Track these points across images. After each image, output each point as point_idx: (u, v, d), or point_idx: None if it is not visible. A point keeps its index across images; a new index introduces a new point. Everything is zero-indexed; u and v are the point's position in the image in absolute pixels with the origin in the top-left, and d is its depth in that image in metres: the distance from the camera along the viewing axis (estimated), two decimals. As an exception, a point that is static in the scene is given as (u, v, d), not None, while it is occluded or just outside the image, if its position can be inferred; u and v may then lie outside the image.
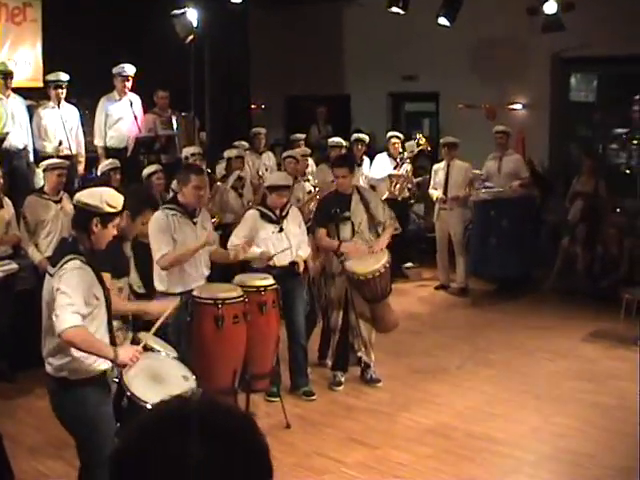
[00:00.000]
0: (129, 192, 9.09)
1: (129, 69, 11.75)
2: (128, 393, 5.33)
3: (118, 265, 6.57)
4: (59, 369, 5.16)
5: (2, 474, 2.97)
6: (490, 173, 12.70)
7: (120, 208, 5.31)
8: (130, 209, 6.50)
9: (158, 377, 5.66)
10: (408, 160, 13.24)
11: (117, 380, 5.45)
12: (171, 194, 10.13)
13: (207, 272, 7.57)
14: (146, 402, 5.25)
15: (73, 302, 4.92)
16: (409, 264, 13.88)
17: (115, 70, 11.75)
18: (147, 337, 6.59)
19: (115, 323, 6.36)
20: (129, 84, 11.81)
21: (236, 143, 12.36)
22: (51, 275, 5.10)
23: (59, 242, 5.88)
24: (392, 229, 8.96)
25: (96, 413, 5.19)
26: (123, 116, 11.78)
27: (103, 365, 5.26)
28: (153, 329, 5.92)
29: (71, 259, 5.04)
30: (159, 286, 7.34)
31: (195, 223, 7.44)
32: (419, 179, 13.89)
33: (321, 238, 8.71)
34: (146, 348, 6.50)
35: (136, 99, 11.95)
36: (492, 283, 12.86)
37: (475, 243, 12.62)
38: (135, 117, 11.78)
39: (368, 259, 8.47)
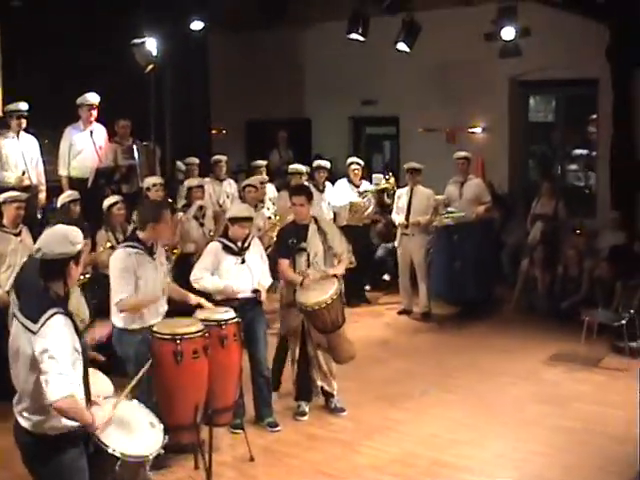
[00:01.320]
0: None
1: (93, 98, 11.70)
2: (96, 440, 5.23)
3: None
4: (38, 426, 4.99)
5: None
6: (451, 198, 12.64)
7: (82, 240, 5.20)
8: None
9: (125, 424, 5.55)
10: (370, 194, 13.31)
11: None
12: (132, 226, 10.15)
13: (165, 307, 7.55)
14: (114, 450, 5.19)
15: (64, 368, 4.77)
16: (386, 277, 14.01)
17: (79, 100, 11.70)
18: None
19: None
20: (94, 113, 11.77)
21: (187, 160, 12.31)
22: (32, 332, 4.84)
23: (33, 294, 5.53)
24: (347, 262, 8.98)
25: (71, 468, 5.07)
26: (86, 147, 11.73)
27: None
28: (128, 388, 5.87)
29: (54, 314, 4.85)
30: (117, 322, 7.28)
31: (154, 259, 7.41)
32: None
33: (284, 270, 8.68)
34: None
35: (100, 129, 11.92)
36: (455, 306, 12.87)
37: (437, 267, 12.59)
38: (97, 148, 11.73)
39: (316, 290, 8.43)
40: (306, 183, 12.68)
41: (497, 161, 15.23)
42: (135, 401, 5.98)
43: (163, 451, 5.61)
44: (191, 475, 7.44)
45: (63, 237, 5.09)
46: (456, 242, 12.33)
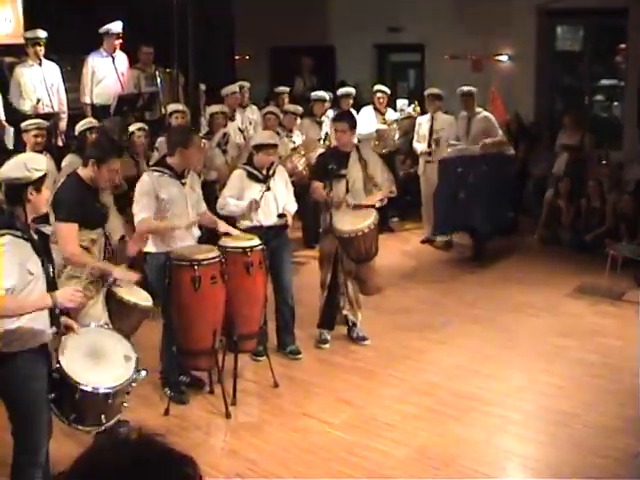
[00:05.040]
0: (91, 141, 9.12)
1: (117, 27, 11.64)
2: (57, 366, 5.32)
3: (90, 216, 6.52)
4: None
5: None
6: (459, 134, 12.37)
7: (45, 168, 5.27)
8: (94, 157, 6.49)
9: (97, 354, 5.62)
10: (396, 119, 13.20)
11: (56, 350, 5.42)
12: (155, 152, 10.15)
13: (198, 233, 7.58)
14: (73, 378, 5.28)
15: None
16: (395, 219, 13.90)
17: (103, 29, 11.64)
18: (121, 290, 6.64)
19: (84, 276, 6.42)
20: (118, 42, 11.69)
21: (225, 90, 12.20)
22: None
23: None
24: (387, 191, 8.94)
25: (24, 387, 5.15)
26: (108, 74, 11.72)
27: (41, 337, 5.20)
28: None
29: (3, 234, 4.96)
30: (149, 245, 7.32)
31: (184, 184, 7.40)
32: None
33: (315, 189, 8.67)
34: (121, 301, 6.58)
35: (122, 56, 11.88)
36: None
37: (440, 199, 12.13)
38: (119, 75, 11.69)
39: (355, 217, 8.43)
40: (331, 111, 12.64)
41: (523, 90, 15.02)
42: (116, 332, 6.05)
43: (134, 385, 5.66)
44: (209, 400, 7.55)
45: (21, 163, 5.20)
46: (460, 174, 11.95)
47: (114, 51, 11.77)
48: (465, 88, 12.32)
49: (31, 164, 5.19)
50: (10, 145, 10.58)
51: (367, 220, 8.35)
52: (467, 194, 11.78)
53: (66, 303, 5.12)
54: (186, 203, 7.44)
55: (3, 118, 10.89)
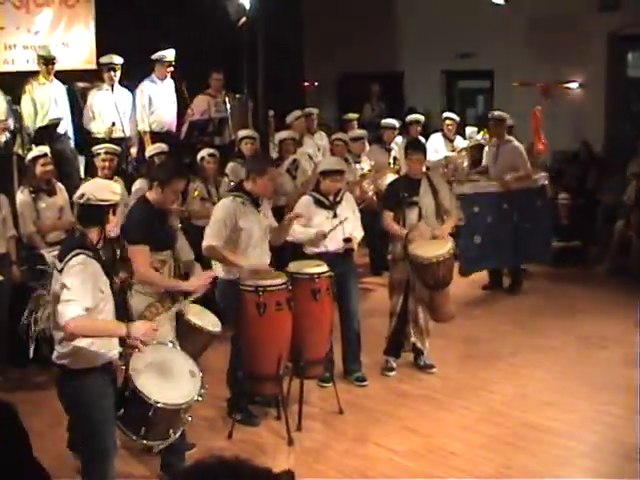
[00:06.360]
0: (158, 164, 9.28)
1: (170, 54, 11.75)
2: (131, 385, 5.44)
3: (160, 238, 6.66)
4: (61, 357, 5.24)
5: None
6: (489, 162, 11.86)
7: (120, 192, 5.65)
8: (158, 179, 6.65)
9: (165, 371, 5.76)
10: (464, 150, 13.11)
11: (124, 368, 5.54)
12: (225, 178, 10.27)
13: (268, 260, 7.63)
14: (149, 397, 5.40)
15: (74, 295, 4.98)
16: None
17: (156, 56, 11.74)
18: (190, 312, 6.73)
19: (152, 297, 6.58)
20: (170, 69, 11.84)
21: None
22: (59, 271, 5.16)
23: (66, 237, 6.00)
24: (456, 219, 8.94)
25: (92, 404, 5.25)
26: (163, 100, 11.82)
27: (109, 354, 5.31)
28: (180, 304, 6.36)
29: (77, 254, 5.11)
30: (219, 272, 7.40)
31: (260, 212, 7.49)
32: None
33: (387, 221, 8.68)
34: (188, 324, 6.66)
35: (171, 83, 12.00)
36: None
37: (462, 239, 11.04)
38: (172, 101, 11.94)
39: (432, 244, 8.41)
40: (399, 137, 12.67)
41: (593, 118, 14.90)
42: (179, 348, 6.23)
43: (200, 399, 5.75)
44: (275, 424, 7.57)
45: (105, 186, 5.58)
46: (476, 215, 11.25)
47: (165, 78, 11.87)
48: (496, 113, 11.91)
49: (113, 187, 5.52)
50: (82, 174, 10.79)
51: (446, 246, 8.36)
52: (484, 237, 11.25)
53: (139, 337, 5.22)
54: (263, 233, 7.51)
55: (72, 145, 11.10)
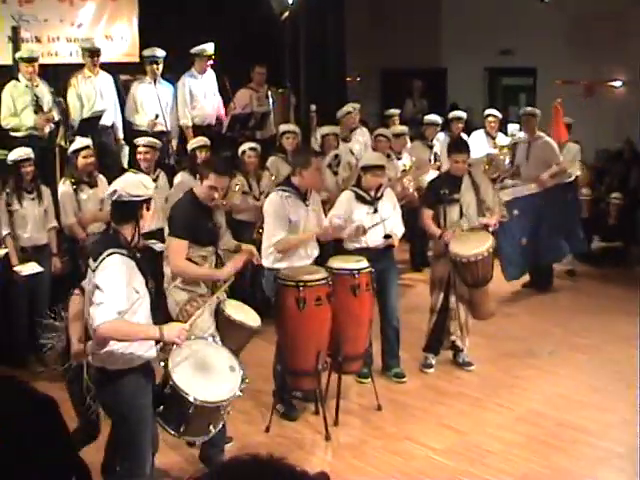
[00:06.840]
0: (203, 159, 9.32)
1: (209, 48, 11.73)
2: (171, 382, 5.43)
3: (202, 233, 6.69)
4: (98, 359, 5.20)
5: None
6: (519, 161, 11.69)
7: (152, 187, 5.47)
8: (201, 174, 6.78)
9: (204, 366, 5.73)
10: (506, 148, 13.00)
11: (163, 364, 5.53)
12: (266, 172, 10.31)
13: (317, 252, 7.69)
14: (188, 394, 5.39)
15: (107, 298, 4.90)
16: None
17: (196, 50, 11.70)
18: (229, 307, 6.76)
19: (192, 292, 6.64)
20: (210, 63, 11.83)
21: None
22: (92, 270, 5.10)
23: (100, 235, 5.93)
24: (499, 215, 8.90)
25: (131, 405, 5.24)
26: (203, 94, 11.79)
27: (147, 354, 5.28)
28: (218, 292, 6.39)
29: (111, 254, 5.03)
30: (266, 262, 7.46)
31: (307, 205, 7.54)
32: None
33: (425, 219, 8.65)
34: (228, 319, 6.68)
35: (212, 75, 11.94)
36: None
37: (504, 246, 10.72)
38: (212, 94, 11.89)
39: (472, 242, 8.37)
40: (441, 134, 12.63)
41: (636, 116, 14.76)
42: (220, 343, 6.22)
43: (240, 394, 5.73)
44: (312, 419, 7.61)
45: (138, 181, 5.37)
46: (518, 219, 11.05)
47: (205, 71, 11.85)
48: (528, 108, 11.84)
49: (146, 182, 5.38)
50: (125, 163, 10.84)
51: (486, 244, 8.31)
52: (528, 239, 11.24)
53: (172, 339, 5.20)
54: (312, 227, 7.58)
55: (121, 136, 11.16)
